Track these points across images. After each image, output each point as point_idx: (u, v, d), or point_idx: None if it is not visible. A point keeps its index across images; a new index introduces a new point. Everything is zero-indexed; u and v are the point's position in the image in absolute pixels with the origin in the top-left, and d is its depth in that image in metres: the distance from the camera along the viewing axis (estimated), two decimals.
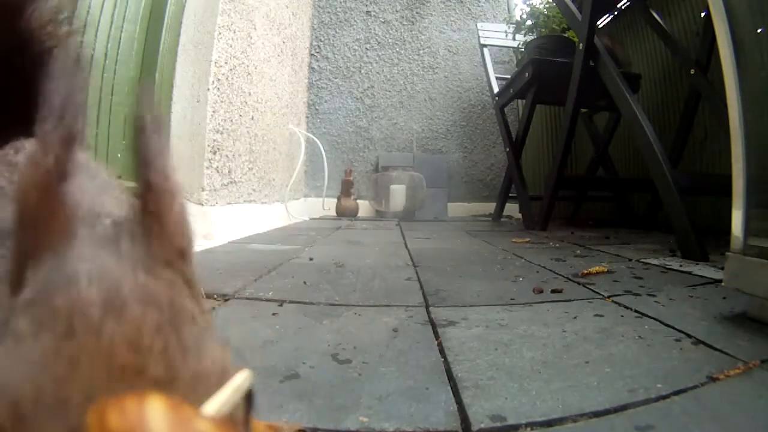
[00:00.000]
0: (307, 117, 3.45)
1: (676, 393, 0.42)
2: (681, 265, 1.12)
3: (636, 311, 0.71)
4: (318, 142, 3.14)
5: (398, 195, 3.22)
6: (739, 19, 0.75)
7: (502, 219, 2.93)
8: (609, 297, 0.82)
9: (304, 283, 0.89)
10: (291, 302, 0.74)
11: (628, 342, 0.56)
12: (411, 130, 3.60)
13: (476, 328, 0.62)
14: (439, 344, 0.56)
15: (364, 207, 3.41)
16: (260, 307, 0.71)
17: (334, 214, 3.29)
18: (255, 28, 2.00)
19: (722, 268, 1.07)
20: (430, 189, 3.26)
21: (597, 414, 0.38)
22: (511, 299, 0.79)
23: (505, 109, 2.70)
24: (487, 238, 1.81)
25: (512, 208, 3.12)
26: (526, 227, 2.24)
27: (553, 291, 0.85)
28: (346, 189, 3.29)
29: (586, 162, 2.57)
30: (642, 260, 1.20)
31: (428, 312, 0.70)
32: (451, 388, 0.43)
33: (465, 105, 3.67)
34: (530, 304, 0.76)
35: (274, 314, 0.66)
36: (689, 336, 0.58)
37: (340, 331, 0.59)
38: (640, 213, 2.27)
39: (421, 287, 0.87)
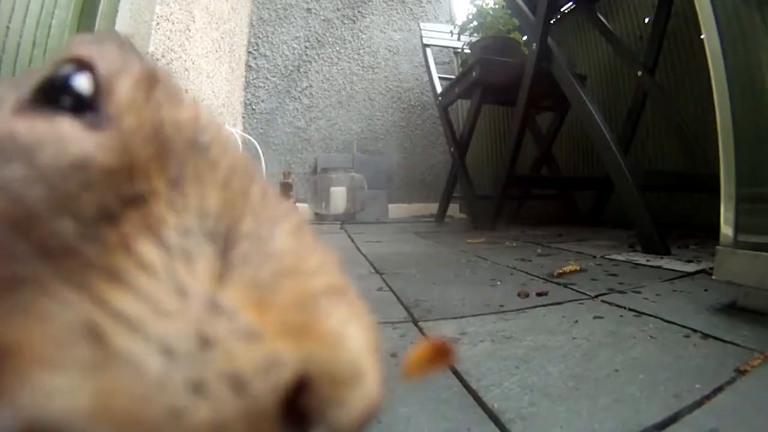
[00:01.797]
0: (243, 117, 3.22)
1: (717, 391, 0.41)
2: (648, 260, 1.12)
3: (632, 310, 0.69)
4: (255, 143, 2.92)
5: (339, 197, 3.10)
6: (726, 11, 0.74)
7: (445, 219, 2.92)
8: (596, 297, 0.78)
9: None
10: None
11: (643, 343, 0.54)
12: (350, 130, 3.49)
13: (482, 344, 0.53)
14: (451, 367, 0.45)
15: (303, 210, 3.24)
16: None
17: None
18: (194, 21, 1.82)
19: (688, 261, 1.10)
20: (371, 190, 3.18)
21: (659, 427, 0.35)
22: (501, 306, 0.71)
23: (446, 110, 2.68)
24: (440, 240, 1.75)
25: (453, 209, 3.13)
26: (475, 227, 2.22)
27: (538, 294, 0.79)
28: (285, 192, 3.10)
29: (529, 161, 2.62)
30: (606, 257, 1.19)
31: (419, 328, 0.59)
32: (495, 424, 0.35)
33: (405, 105, 3.63)
34: (523, 310, 0.69)
35: None
36: (695, 331, 0.58)
37: None
38: (584, 210, 2.34)
39: (398, 299, 0.76)
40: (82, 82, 0.14)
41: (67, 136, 0.13)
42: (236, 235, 0.13)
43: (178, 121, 0.14)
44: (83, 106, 0.14)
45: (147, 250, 0.12)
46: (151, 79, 0.15)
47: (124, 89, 0.14)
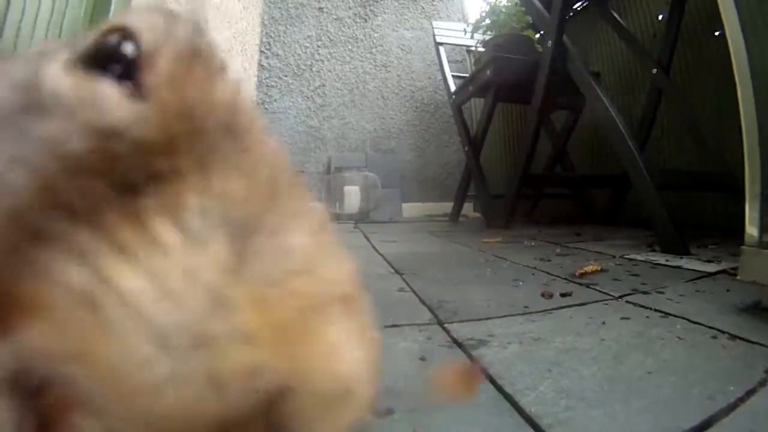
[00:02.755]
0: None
1: (749, 393, 0.40)
2: (667, 260, 1.10)
3: (657, 311, 0.68)
4: None
5: (352, 196, 3.10)
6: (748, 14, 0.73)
7: (459, 218, 2.91)
8: (620, 297, 0.78)
9: None
10: None
11: (672, 345, 0.54)
12: (363, 129, 3.49)
13: (511, 346, 0.53)
14: (483, 370, 0.46)
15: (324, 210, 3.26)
16: None
17: None
18: (206, 20, 1.82)
19: (708, 261, 1.09)
20: (384, 189, 3.18)
21: (696, 430, 0.35)
22: (525, 307, 0.71)
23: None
24: (456, 239, 1.74)
25: (467, 207, 3.11)
26: (489, 226, 2.21)
27: (562, 295, 0.79)
28: None
29: (543, 160, 2.60)
30: (626, 256, 1.18)
31: (446, 330, 0.59)
32: (534, 430, 0.35)
33: (418, 104, 3.62)
34: (548, 311, 0.69)
35: None
36: (722, 332, 0.57)
37: None
38: (599, 209, 2.32)
39: (421, 300, 0.77)
40: (126, 51, 0.14)
41: (107, 102, 0.13)
42: (255, 227, 0.13)
43: (214, 102, 0.14)
44: (126, 75, 0.14)
45: (163, 229, 0.12)
46: (193, 56, 0.15)
47: (164, 63, 0.14)
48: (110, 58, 0.14)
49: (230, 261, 0.12)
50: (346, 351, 0.12)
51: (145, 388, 0.10)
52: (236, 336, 0.11)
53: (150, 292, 0.11)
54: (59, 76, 0.13)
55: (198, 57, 0.15)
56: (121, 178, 0.12)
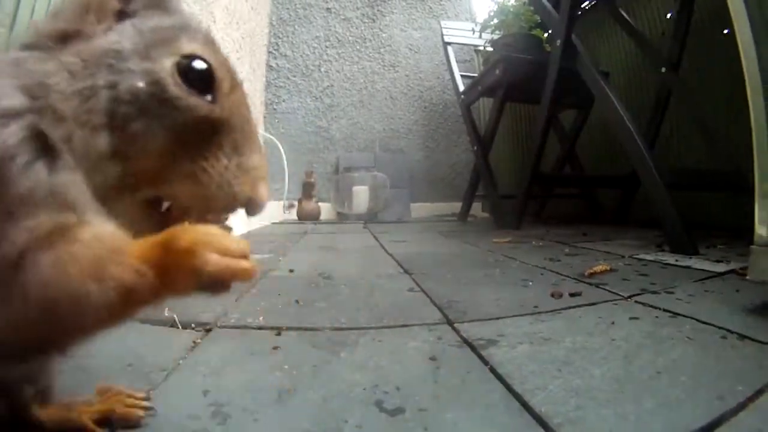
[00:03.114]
0: (264, 117, 3.26)
1: (759, 393, 0.40)
2: (676, 260, 1.10)
3: (667, 311, 0.68)
4: (278, 143, 2.97)
5: (361, 196, 3.11)
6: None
7: (468, 219, 2.90)
8: (629, 297, 0.78)
9: (297, 302, 0.76)
10: (290, 329, 0.61)
11: (682, 345, 0.54)
12: (372, 129, 3.50)
13: (521, 346, 0.54)
14: (493, 370, 0.46)
15: (326, 209, 3.27)
16: (254, 339, 0.58)
17: (295, 217, 3.13)
18: (215, 21, 1.84)
19: (717, 261, 1.08)
20: (393, 189, 3.18)
21: (705, 429, 0.35)
22: (535, 307, 0.71)
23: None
24: (465, 239, 1.75)
25: (475, 207, 3.11)
26: (499, 226, 2.21)
27: (571, 294, 0.79)
28: (308, 191, 3.14)
29: (551, 160, 2.58)
30: (635, 256, 1.18)
31: (456, 330, 0.60)
32: (545, 429, 0.35)
33: (426, 104, 3.62)
34: (558, 311, 0.69)
35: (275, 348, 0.54)
36: (731, 332, 0.57)
37: (367, 367, 0.48)
38: (608, 209, 2.30)
39: (431, 300, 0.77)
40: (205, 71, 0.28)
41: (201, 103, 0.27)
42: (243, 152, 0.29)
43: (240, 104, 0.30)
44: (204, 86, 0.28)
45: (220, 155, 0.28)
46: (233, 77, 0.30)
47: (224, 82, 0.29)
48: (196, 75, 0.28)
49: (240, 166, 0.29)
50: (263, 188, 0.30)
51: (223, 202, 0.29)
52: (246, 170, 0.29)
53: (229, 171, 0.29)
54: (171, 85, 0.26)
55: (236, 83, 0.30)
56: (205, 134, 0.28)
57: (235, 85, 0.29)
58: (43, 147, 0.23)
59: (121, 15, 0.28)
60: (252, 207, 0.29)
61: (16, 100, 0.23)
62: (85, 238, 0.23)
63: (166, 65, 0.26)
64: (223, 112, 0.28)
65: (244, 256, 0.25)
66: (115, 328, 0.24)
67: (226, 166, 0.28)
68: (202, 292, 0.25)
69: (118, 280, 0.22)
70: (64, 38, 0.26)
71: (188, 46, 0.27)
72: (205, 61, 0.27)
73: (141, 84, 0.25)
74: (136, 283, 0.23)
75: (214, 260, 0.23)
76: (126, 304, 0.23)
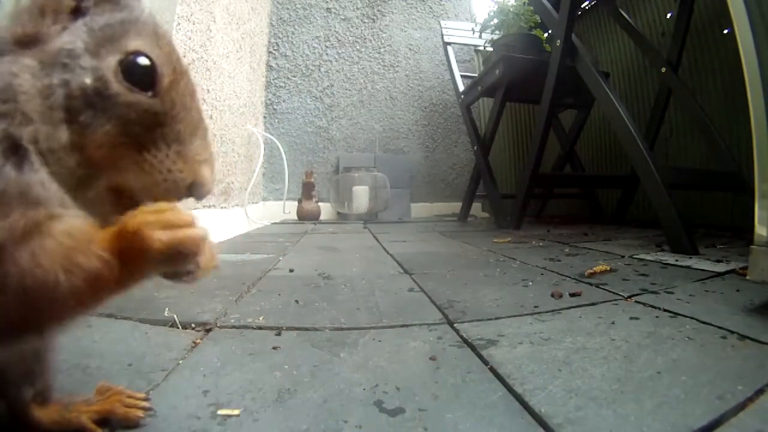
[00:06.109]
0: (264, 117, 3.26)
1: (759, 393, 0.41)
2: (676, 260, 1.10)
3: (667, 311, 0.68)
4: (278, 143, 2.97)
5: (362, 196, 3.11)
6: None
7: (468, 219, 2.90)
8: (629, 297, 0.78)
9: (296, 302, 0.76)
10: (290, 329, 0.61)
11: (682, 345, 0.54)
12: (372, 129, 3.50)
13: (521, 346, 0.54)
14: (493, 370, 0.46)
15: (326, 210, 3.27)
16: (254, 339, 0.58)
17: (295, 217, 3.13)
18: (214, 21, 1.84)
19: (717, 261, 1.08)
20: (393, 189, 3.18)
21: (706, 429, 0.35)
22: (535, 307, 0.71)
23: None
24: (465, 239, 1.74)
25: (475, 207, 3.11)
26: (499, 226, 2.21)
27: (572, 295, 0.79)
28: (308, 191, 3.14)
29: (552, 159, 2.58)
30: (635, 256, 1.18)
31: (456, 330, 0.60)
32: (545, 429, 0.35)
33: (426, 104, 3.62)
34: (558, 311, 0.69)
35: (274, 348, 0.54)
36: (731, 332, 0.57)
37: (367, 367, 0.48)
38: (608, 209, 2.30)
39: (431, 300, 0.77)
40: (147, 67, 0.29)
41: (142, 99, 0.28)
42: (186, 139, 0.30)
43: (184, 94, 0.31)
44: (146, 81, 0.28)
45: (161, 144, 0.29)
46: (178, 68, 0.31)
47: (165, 77, 0.29)
48: (138, 71, 0.28)
49: (182, 151, 0.30)
50: (209, 172, 0.31)
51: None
52: (191, 158, 0.30)
53: (170, 160, 0.29)
54: (113, 82, 0.27)
55: (180, 74, 0.31)
56: (149, 125, 0.29)
57: (179, 77, 0.30)
58: (11, 148, 0.25)
59: (77, 12, 0.29)
60: (196, 191, 0.30)
61: None
62: (56, 231, 0.24)
63: (110, 63, 0.27)
64: (164, 106, 0.29)
65: (189, 226, 0.27)
66: (87, 314, 0.27)
67: (167, 154, 0.29)
68: (167, 277, 0.29)
69: (85, 269, 0.24)
70: (24, 41, 0.27)
71: (133, 43, 0.28)
72: (147, 57, 0.29)
73: (88, 81, 0.27)
74: (101, 270, 0.25)
75: (158, 236, 0.25)
76: (93, 290, 0.25)
